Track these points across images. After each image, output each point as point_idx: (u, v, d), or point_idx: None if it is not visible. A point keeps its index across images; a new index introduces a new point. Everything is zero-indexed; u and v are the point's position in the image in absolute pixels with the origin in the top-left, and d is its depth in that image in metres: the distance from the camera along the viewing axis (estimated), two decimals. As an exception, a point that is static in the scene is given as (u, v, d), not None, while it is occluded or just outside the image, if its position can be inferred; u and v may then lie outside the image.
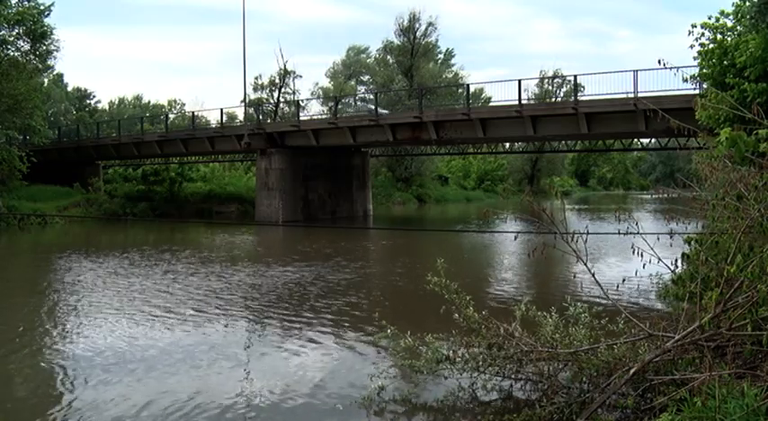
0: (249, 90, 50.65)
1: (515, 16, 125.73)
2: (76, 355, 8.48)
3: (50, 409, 6.54)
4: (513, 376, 6.12)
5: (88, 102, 79.49)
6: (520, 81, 27.22)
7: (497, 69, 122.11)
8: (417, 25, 56.64)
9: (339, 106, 39.75)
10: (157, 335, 9.60)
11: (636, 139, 40.58)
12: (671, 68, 6.55)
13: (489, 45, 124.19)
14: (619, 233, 5.95)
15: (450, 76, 61.29)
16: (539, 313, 6.25)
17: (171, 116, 55.73)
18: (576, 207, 49.05)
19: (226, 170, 54.60)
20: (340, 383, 7.24)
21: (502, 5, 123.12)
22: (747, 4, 12.85)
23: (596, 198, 74.50)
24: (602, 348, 5.54)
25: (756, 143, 4.80)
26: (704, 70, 12.94)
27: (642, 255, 5.39)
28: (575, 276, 10.33)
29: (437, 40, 59.91)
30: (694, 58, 13.32)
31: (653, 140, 41.81)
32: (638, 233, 5.60)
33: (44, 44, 33.50)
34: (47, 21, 32.99)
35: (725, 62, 12.40)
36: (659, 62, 6.24)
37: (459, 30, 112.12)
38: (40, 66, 36.02)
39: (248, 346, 9.16)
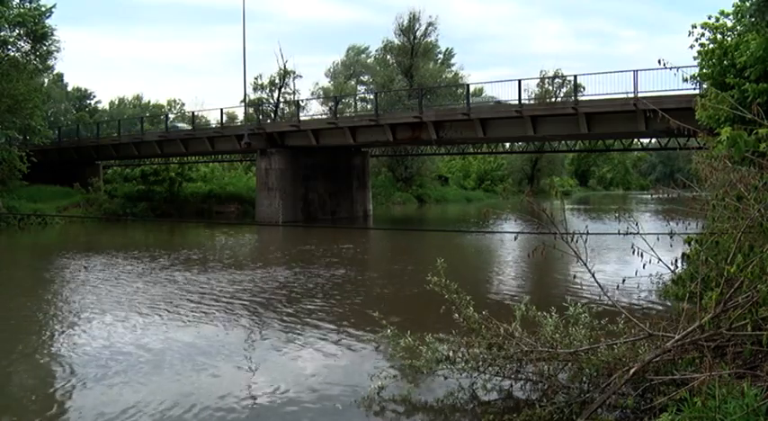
0: (249, 90, 50.70)
1: (521, 16, 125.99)
2: (77, 355, 8.47)
3: (51, 409, 6.55)
4: (513, 376, 6.12)
5: (88, 102, 79.57)
6: (520, 81, 27.31)
7: (502, 69, 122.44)
8: (417, 25, 56.69)
9: (339, 106, 39.74)
10: (157, 334, 9.58)
11: (636, 139, 40.59)
12: (671, 68, 6.57)
13: (494, 45, 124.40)
14: (619, 233, 5.94)
15: (450, 75, 61.32)
16: (539, 313, 6.24)
17: (171, 116, 55.67)
18: (576, 207, 49.02)
19: (226, 170, 54.59)
20: (339, 383, 7.23)
21: (507, 5, 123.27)
22: (747, 3, 12.85)
23: (596, 198, 74.48)
24: (602, 348, 5.53)
25: (756, 143, 4.79)
26: (704, 70, 12.93)
27: (642, 255, 5.38)
28: (575, 276, 10.32)
29: (437, 40, 60.09)
30: (694, 58, 13.33)
31: (653, 140, 41.82)
32: (638, 233, 5.60)
33: (44, 45, 33.52)
34: (47, 21, 33.08)
35: (725, 62, 12.39)
36: (659, 62, 6.27)
37: (463, 29, 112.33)
38: (41, 66, 36.00)
39: (248, 346, 9.15)
